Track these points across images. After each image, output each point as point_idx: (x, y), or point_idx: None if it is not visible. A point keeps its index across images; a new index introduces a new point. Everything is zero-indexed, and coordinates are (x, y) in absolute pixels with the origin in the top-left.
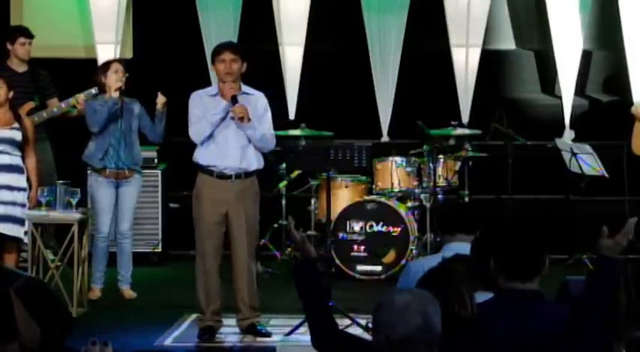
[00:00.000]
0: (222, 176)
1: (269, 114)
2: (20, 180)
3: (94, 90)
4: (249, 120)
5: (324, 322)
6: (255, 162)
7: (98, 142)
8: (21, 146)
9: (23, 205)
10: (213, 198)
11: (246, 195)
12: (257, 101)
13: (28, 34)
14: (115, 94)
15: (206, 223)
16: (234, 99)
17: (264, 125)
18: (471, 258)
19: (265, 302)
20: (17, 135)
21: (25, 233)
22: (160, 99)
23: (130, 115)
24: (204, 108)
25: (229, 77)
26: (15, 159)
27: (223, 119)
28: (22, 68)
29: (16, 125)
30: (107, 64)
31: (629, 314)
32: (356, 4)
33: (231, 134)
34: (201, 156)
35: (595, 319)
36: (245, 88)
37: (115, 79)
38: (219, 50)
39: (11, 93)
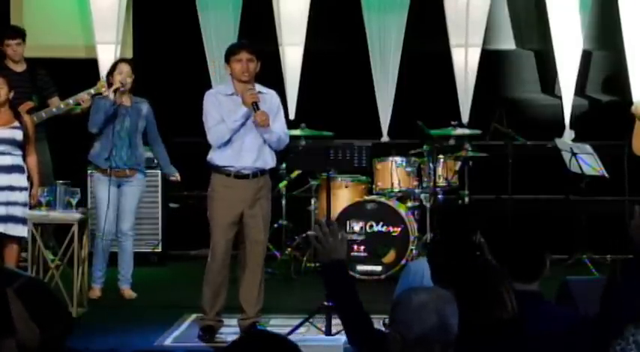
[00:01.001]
0: (239, 176)
1: (282, 113)
2: (21, 180)
3: (92, 90)
4: (268, 125)
5: (361, 321)
6: (270, 161)
7: (103, 142)
8: (22, 145)
9: (25, 204)
10: (229, 198)
11: (262, 194)
12: (271, 100)
13: (12, 35)
14: (112, 95)
15: (221, 223)
16: (255, 106)
17: (278, 124)
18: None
19: (265, 302)
20: (18, 135)
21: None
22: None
23: (136, 115)
24: (221, 110)
25: (246, 76)
26: (16, 159)
27: (242, 124)
28: (19, 68)
29: (17, 124)
30: (114, 65)
31: None
32: (356, 3)
33: (248, 135)
34: (217, 158)
35: (629, 305)
36: (258, 87)
37: (117, 80)
38: (235, 50)
39: (12, 94)
